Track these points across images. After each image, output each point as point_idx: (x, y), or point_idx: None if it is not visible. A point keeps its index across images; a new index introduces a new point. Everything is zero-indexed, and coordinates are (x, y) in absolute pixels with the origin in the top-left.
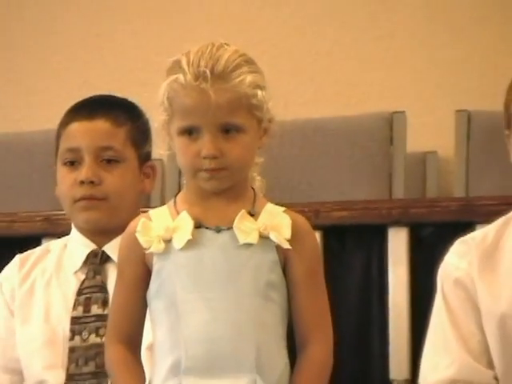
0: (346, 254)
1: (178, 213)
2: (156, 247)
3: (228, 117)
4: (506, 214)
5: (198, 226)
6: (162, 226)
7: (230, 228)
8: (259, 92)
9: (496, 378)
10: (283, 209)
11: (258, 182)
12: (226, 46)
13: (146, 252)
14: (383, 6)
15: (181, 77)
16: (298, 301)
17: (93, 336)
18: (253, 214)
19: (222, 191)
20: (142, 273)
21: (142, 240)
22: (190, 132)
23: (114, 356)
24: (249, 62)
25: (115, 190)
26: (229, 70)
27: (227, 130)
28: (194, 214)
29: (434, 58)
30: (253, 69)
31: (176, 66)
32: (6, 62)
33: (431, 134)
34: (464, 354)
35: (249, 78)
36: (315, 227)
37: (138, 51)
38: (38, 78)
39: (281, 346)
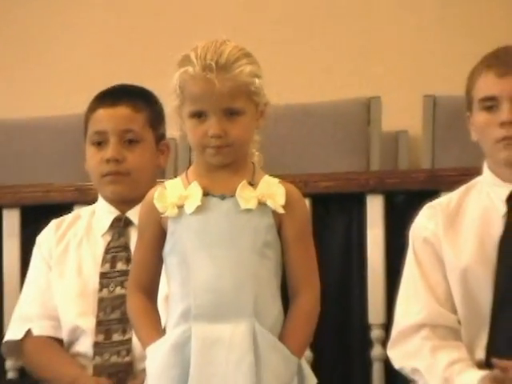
0: (330, 218)
1: (189, 183)
2: (170, 212)
3: (230, 102)
4: (466, 183)
5: (205, 194)
6: (176, 194)
7: (232, 196)
8: (256, 80)
9: (459, 322)
10: (278, 180)
11: (256, 156)
12: (227, 42)
13: (162, 216)
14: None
15: (190, 68)
16: (289, 258)
17: (118, 288)
18: (252, 184)
19: (226, 165)
20: (158, 234)
21: (159, 206)
22: (198, 115)
23: (134, 304)
24: (247, 55)
25: (136, 167)
26: (230, 62)
27: (230, 113)
28: (202, 184)
29: (404, 50)
30: (250, 61)
31: (186, 59)
32: (43, 54)
33: (402, 115)
34: (432, 302)
35: (247, 69)
36: (304, 195)
37: (153, 47)
38: (69, 70)
39: (275, 296)
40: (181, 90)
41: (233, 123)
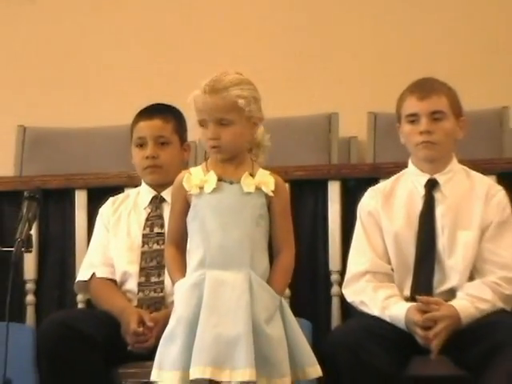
0: (303, 198)
1: (208, 171)
2: (194, 191)
3: (220, 114)
4: (397, 173)
5: (219, 179)
6: (198, 178)
7: (238, 182)
8: (241, 100)
9: (392, 270)
10: (269, 172)
11: (261, 158)
12: (230, 73)
13: (188, 193)
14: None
15: (197, 91)
16: (275, 226)
17: (155, 245)
18: (252, 175)
19: (230, 159)
20: (184, 206)
21: (186, 186)
22: (202, 124)
23: (169, 254)
24: (238, 83)
25: (167, 162)
26: (222, 87)
27: (221, 123)
28: (217, 172)
29: (357, 76)
30: (241, 87)
31: (200, 85)
32: (103, 79)
33: (354, 126)
34: (373, 256)
35: (235, 92)
36: (285, 181)
37: (182, 71)
38: (120, 92)
39: (264, 253)
40: (194, 105)
41: (224, 130)
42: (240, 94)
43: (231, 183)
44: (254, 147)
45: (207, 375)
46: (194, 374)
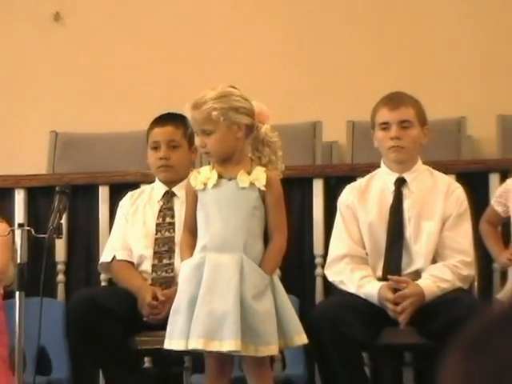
0: (292, 193)
1: (212, 169)
2: (199, 187)
3: (203, 125)
4: (371, 172)
5: (220, 177)
6: (204, 176)
7: (235, 179)
8: (214, 112)
9: (366, 254)
10: (264, 169)
11: (266, 152)
12: (214, 89)
13: (195, 189)
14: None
15: (187, 105)
16: (269, 216)
17: (167, 233)
18: (249, 172)
19: (229, 160)
20: (194, 199)
21: (193, 183)
22: (196, 134)
23: (183, 238)
24: (216, 98)
25: (177, 162)
26: (201, 103)
27: (205, 133)
28: (218, 171)
29: (338, 88)
30: (218, 100)
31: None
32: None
33: (335, 132)
34: (351, 242)
35: (210, 105)
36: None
37: (191, 84)
38: (138, 102)
39: (259, 239)
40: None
41: (208, 138)
42: (213, 106)
43: (230, 180)
44: (259, 145)
45: (200, 346)
46: (190, 344)
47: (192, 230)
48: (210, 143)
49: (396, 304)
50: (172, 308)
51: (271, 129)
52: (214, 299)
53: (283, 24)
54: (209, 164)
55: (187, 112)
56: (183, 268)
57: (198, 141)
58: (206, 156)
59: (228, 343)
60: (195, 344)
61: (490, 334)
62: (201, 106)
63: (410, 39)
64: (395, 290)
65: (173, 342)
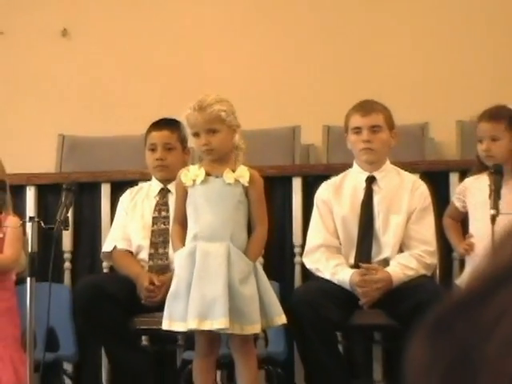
0: (275, 190)
1: (200, 168)
2: (189, 183)
3: (209, 125)
4: (345, 171)
5: (207, 174)
6: (193, 173)
7: (221, 176)
8: (223, 113)
9: (340, 244)
10: (247, 168)
11: (241, 157)
12: (209, 95)
13: (185, 185)
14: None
15: (188, 110)
16: (252, 209)
17: (162, 225)
18: (233, 170)
19: (218, 160)
20: (184, 195)
21: (183, 180)
22: (195, 135)
23: (173, 229)
24: (219, 101)
25: (172, 163)
26: (206, 105)
27: (211, 132)
28: (206, 169)
29: (315, 95)
30: (221, 104)
31: (189, 106)
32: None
33: (311, 136)
34: (326, 233)
35: (218, 107)
36: (261, 176)
37: (188, 92)
38: (139, 110)
39: (243, 230)
40: (187, 121)
41: (212, 137)
42: (221, 108)
43: (216, 177)
44: (234, 150)
45: (194, 326)
46: (188, 325)
47: (182, 222)
48: (214, 141)
49: (363, 286)
50: (169, 292)
51: (240, 137)
52: (205, 284)
53: (268, 37)
54: (198, 163)
55: (190, 114)
56: (178, 256)
57: (200, 140)
58: (206, 154)
59: (218, 322)
60: (190, 324)
61: (451, 316)
62: (207, 108)
63: (380, 52)
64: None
65: (174, 323)
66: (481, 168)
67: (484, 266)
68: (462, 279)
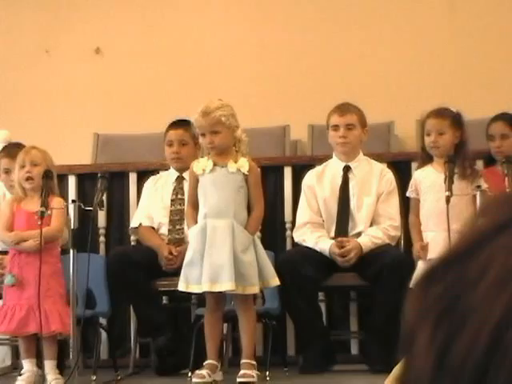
0: (269, 177)
1: (208, 159)
2: (199, 172)
3: (212, 128)
4: (326, 161)
5: (215, 164)
6: (203, 164)
7: (225, 166)
8: (223, 118)
9: (323, 221)
10: (247, 159)
11: (244, 150)
12: (214, 102)
13: (196, 174)
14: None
15: (196, 115)
16: (250, 193)
17: (178, 206)
18: (235, 161)
19: (222, 153)
20: (195, 181)
21: (194, 169)
22: (202, 135)
23: (188, 211)
24: (220, 107)
25: (186, 156)
26: (210, 111)
27: (213, 133)
28: (213, 160)
29: (300, 100)
30: (223, 109)
31: (197, 111)
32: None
33: (299, 133)
34: (311, 212)
35: (219, 113)
36: (258, 166)
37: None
38: (161, 110)
39: (244, 209)
40: (195, 124)
41: (215, 137)
42: (222, 113)
43: (222, 167)
44: (237, 142)
45: (207, 288)
46: (201, 288)
47: (194, 205)
48: (217, 140)
49: (342, 256)
50: (185, 260)
51: (242, 132)
52: (214, 253)
53: (265, 46)
54: (206, 156)
55: (197, 118)
56: (192, 232)
57: (205, 140)
58: (211, 150)
59: (226, 285)
60: (203, 287)
61: (442, 269)
62: (211, 114)
63: (357, 61)
64: (342, 247)
65: (190, 285)
66: (425, 159)
67: (471, 226)
68: (413, 282)
